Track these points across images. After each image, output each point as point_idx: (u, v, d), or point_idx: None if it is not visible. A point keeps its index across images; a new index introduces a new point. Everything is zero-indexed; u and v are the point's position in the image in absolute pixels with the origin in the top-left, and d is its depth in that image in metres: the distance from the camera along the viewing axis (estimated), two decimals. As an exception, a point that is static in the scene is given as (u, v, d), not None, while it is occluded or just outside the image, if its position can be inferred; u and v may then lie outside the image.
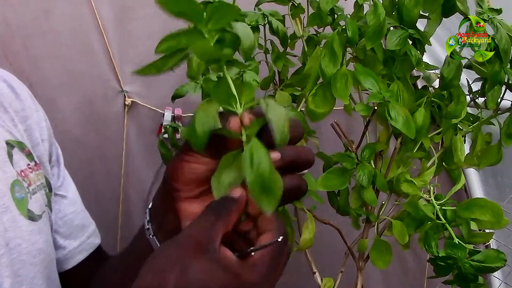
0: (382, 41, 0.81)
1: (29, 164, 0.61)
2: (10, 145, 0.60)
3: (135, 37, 1.25)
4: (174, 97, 0.92)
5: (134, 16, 1.24)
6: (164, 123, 1.26)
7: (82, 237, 0.70)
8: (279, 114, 0.38)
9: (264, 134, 0.39)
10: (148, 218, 0.50)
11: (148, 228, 0.49)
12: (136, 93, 1.27)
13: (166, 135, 1.02)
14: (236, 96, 0.39)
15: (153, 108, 1.28)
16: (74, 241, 0.68)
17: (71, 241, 0.68)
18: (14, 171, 0.59)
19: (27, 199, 0.59)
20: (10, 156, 0.59)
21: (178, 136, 1.04)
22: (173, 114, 1.28)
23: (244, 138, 0.39)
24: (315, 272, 0.95)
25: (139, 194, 1.31)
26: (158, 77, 1.26)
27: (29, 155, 0.62)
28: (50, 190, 0.65)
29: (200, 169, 0.44)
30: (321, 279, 0.94)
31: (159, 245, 0.48)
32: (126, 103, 1.26)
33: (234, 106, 0.39)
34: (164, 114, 1.27)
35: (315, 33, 0.94)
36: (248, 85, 0.40)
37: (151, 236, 0.49)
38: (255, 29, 0.89)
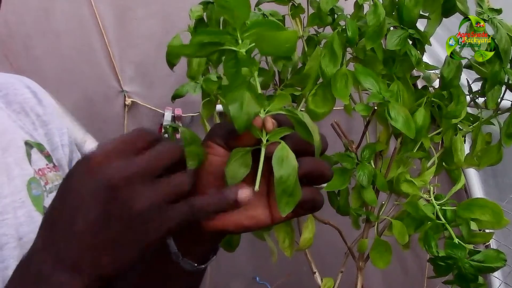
0: (382, 41, 0.81)
1: (47, 164, 0.63)
2: (29, 145, 0.62)
3: (135, 37, 1.25)
4: (174, 97, 0.92)
5: (134, 16, 1.24)
6: (164, 123, 1.26)
7: None
8: (314, 128, 0.41)
9: (288, 143, 0.41)
10: None
11: None
12: (136, 93, 1.27)
13: (166, 135, 1.03)
14: (262, 101, 0.42)
15: (153, 108, 1.28)
16: None
17: None
18: (31, 169, 0.61)
19: (43, 197, 0.60)
20: (28, 155, 0.61)
21: (178, 136, 1.04)
22: (173, 114, 1.28)
23: (264, 139, 0.41)
24: (315, 272, 0.95)
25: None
26: (158, 77, 1.26)
27: (48, 157, 0.64)
28: None
29: (217, 161, 0.45)
30: (321, 279, 0.94)
31: (171, 241, 0.49)
32: (126, 103, 1.26)
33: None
34: (164, 114, 1.27)
35: (315, 33, 0.94)
36: (282, 96, 0.43)
37: None
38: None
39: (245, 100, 0.40)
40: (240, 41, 0.40)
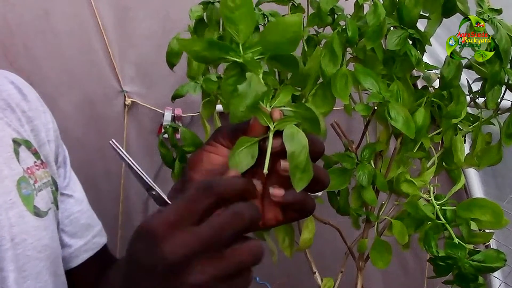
0: (382, 41, 0.81)
1: (35, 162, 0.63)
2: (17, 143, 0.62)
3: (135, 37, 1.25)
4: (174, 97, 0.92)
5: (134, 16, 1.24)
6: (164, 123, 1.26)
7: (87, 236, 0.71)
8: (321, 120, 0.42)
9: None
10: None
11: None
12: (136, 93, 1.27)
13: (166, 135, 1.03)
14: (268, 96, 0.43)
15: (153, 108, 1.28)
16: (79, 240, 0.70)
17: (77, 239, 0.69)
18: (20, 168, 0.60)
19: (33, 196, 0.60)
20: (16, 153, 0.61)
21: (178, 136, 1.04)
22: (173, 114, 1.28)
23: (272, 127, 0.42)
24: (315, 272, 0.95)
25: (139, 194, 1.31)
26: (158, 77, 1.26)
27: (35, 154, 0.64)
28: (57, 189, 0.66)
29: (219, 160, 0.45)
30: (321, 279, 0.94)
31: None
32: (126, 103, 1.26)
33: (264, 103, 0.43)
34: (164, 114, 1.27)
35: (315, 33, 0.94)
36: (287, 89, 0.45)
37: None
38: (255, 29, 0.88)
39: (253, 80, 0.41)
40: (241, 56, 0.41)
